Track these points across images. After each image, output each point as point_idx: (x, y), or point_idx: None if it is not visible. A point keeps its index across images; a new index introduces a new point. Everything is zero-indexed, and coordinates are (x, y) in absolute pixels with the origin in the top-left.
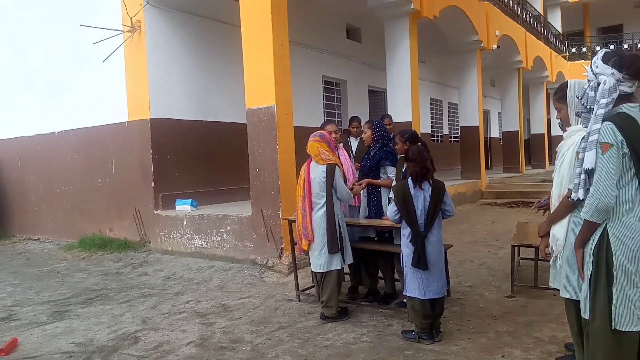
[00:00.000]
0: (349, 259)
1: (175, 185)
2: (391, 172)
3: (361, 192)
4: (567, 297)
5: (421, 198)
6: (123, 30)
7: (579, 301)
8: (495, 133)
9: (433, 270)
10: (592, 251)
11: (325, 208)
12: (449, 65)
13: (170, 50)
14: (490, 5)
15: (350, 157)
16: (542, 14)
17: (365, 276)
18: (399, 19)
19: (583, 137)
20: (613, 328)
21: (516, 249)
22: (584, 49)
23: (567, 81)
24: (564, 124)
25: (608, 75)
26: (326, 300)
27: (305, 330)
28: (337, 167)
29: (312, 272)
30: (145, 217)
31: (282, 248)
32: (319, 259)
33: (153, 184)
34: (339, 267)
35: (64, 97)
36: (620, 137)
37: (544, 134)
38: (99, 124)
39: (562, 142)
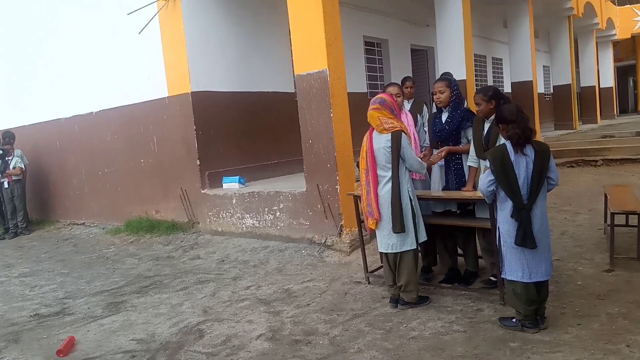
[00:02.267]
0: (423, 237)
1: (220, 161)
2: (471, 134)
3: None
4: None
5: (523, 165)
6: None
7: None
8: (540, 88)
9: (540, 248)
10: None
11: (392, 182)
12: (493, 17)
13: (208, 17)
14: None
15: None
16: None
17: (444, 254)
18: None
19: None
20: None
21: (614, 217)
22: None
23: None
24: None
25: None
26: (405, 284)
27: (385, 318)
28: (403, 133)
29: (380, 253)
30: (192, 196)
31: (341, 225)
32: (390, 239)
33: (198, 162)
34: (414, 247)
35: (101, 74)
36: None
37: (594, 87)
38: (138, 101)
39: None
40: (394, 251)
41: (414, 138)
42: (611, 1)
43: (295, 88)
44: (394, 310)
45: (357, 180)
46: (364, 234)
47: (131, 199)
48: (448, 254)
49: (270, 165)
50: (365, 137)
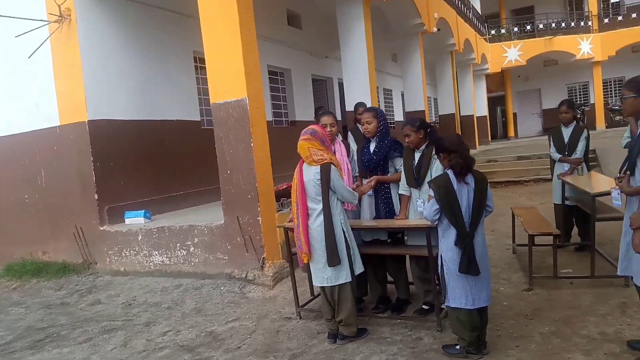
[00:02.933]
0: (359, 268)
1: (122, 195)
2: (400, 164)
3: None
4: None
5: (465, 193)
6: (49, 21)
7: None
8: (399, 115)
9: (482, 274)
10: None
11: (323, 214)
12: (383, 52)
13: (108, 42)
14: None
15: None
16: None
17: (374, 282)
18: (353, 1)
19: None
20: None
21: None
22: (503, 31)
23: None
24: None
25: None
26: (345, 318)
27: (326, 356)
28: (332, 166)
29: (314, 286)
30: (88, 234)
31: (263, 258)
32: (324, 272)
33: (96, 196)
34: (349, 279)
35: None
36: None
37: (472, 115)
38: (23, 130)
39: None
40: (330, 284)
41: (347, 169)
42: (484, 39)
43: (201, 116)
44: (334, 346)
45: (278, 210)
46: (284, 266)
47: (12, 239)
48: (378, 282)
49: (176, 197)
50: (295, 169)
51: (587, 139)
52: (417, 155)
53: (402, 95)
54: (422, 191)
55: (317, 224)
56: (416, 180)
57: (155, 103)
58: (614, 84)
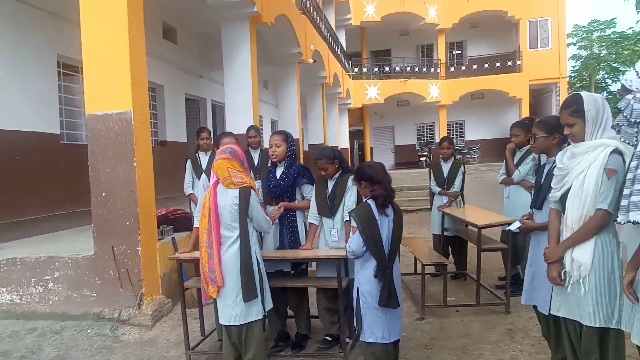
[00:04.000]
0: (269, 304)
1: None
2: (308, 191)
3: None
4: (595, 325)
5: (385, 224)
6: None
7: (573, 323)
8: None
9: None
10: None
11: (239, 243)
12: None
13: None
14: (306, 19)
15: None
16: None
17: (274, 318)
18: (240, 21)
19: (615, 152)
20: None
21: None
22: (365, 69)
23: (579, 94)
24: (576, 138)
25: None
26: (252, 359)
27: None
28: (252, 190)
29: (220, 325)
30: None
31: (142, 294)
32: (234, 309)
33: None
34: (260, 316)
35: None
36: None
37: (338, 146)
38: None
39: (573, 157)
40: (239, 323)
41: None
42: (348, 75)
43: (61, 129)
44: None
45: (160, 239)
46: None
47: None
48: (278, 317)
49: (27, 222)
50: (207, 192)
51: (464, 174)
52: (330, 184)
53: (271, 122)
54: (335, 220)
55: (230, 253)
56: (330, 210)
57: (4, 110)
58: (456, 126)
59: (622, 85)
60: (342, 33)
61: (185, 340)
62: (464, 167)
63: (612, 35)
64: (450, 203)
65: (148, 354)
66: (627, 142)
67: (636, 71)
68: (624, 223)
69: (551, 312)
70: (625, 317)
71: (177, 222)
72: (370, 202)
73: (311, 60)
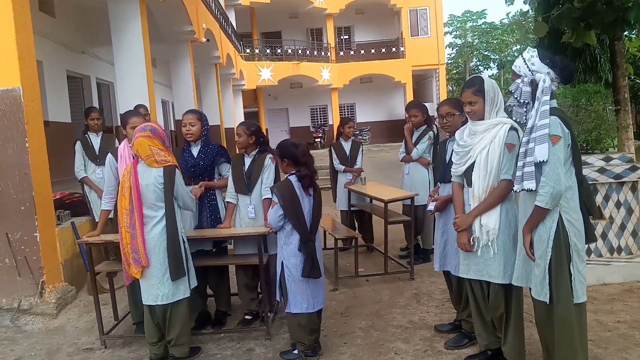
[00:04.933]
0: (194, 282)
1: None
2: (226, 170)
3: None
4: (504, 282)
5: (307, 201)
6: None
7: (487, 283)
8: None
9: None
10: (551, 236)
11: (165, 222)
12: None
13: None
14: None
15: None
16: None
17: (195, 297)
18: None
19: (512, 128)
20: (575, 303)
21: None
22: (257, 51)
23: (479, 76)
24: (476, 116)
25: (545, 74)
26: (176, 338)
27: None
28: (177, 169)
29: (135, 308)
30: None
31: (42, 282)
32: (160, 289)
33: None
34: (187, 295)
35: None
36: (566, 129)
37: (234, 128)
38: None
39: (474, 134)
40: (165, 302)
41: None
42: (241, 56)
43: None
44: None
45: (58, 224)
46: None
47: None
48: (200, 296)
49: None
50: (126, 171)
51: (362, 152)
52: (247, 161)
53: (162, 102)
54: (252, 197)
55: (154, 233)
56: (247, 186)
57: None
58: (347, 109)
59: (513, 71)
60: (232, 13)
61: (99, 325)
62: (362, 146)
63: (483, 26)
64: (356, 179)
65: (57, 342)
66: (518, 120)
67: (524, 58)
68: (519, 191)
69: (460, 275)
70: (517, 274)
71: (74, 206)
72: (292, 178)
73: (204, 39)
